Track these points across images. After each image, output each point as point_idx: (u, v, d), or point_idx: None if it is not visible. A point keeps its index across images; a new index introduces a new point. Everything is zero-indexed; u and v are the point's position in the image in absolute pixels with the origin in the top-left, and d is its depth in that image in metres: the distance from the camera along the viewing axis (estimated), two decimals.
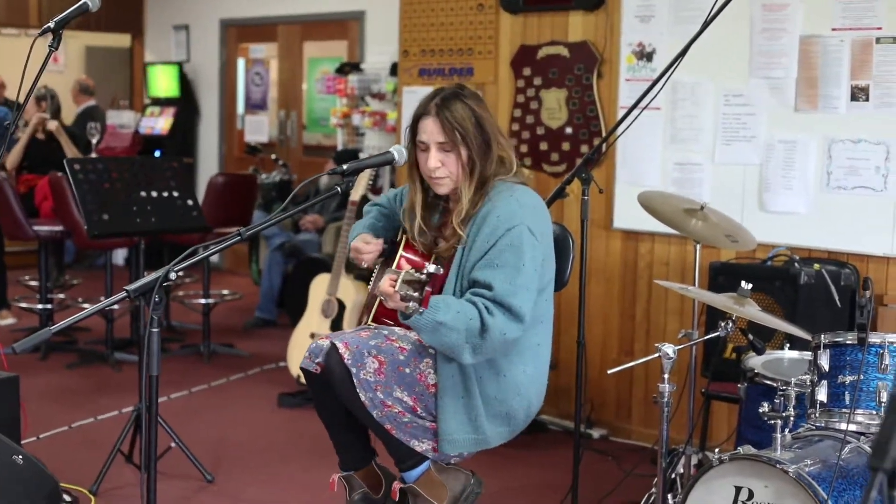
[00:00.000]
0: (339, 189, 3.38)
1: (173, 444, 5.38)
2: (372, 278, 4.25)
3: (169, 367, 7.74)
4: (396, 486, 3.80)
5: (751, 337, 4.28)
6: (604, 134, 6.09)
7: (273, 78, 11.71)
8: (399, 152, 3.64)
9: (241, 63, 12.03)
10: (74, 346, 8.18)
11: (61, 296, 8.96)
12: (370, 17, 10.25)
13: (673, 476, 4.71)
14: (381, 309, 3.92)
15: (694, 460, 4.83)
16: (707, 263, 5.43)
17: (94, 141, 8.50)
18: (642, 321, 6.12)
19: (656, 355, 4.03)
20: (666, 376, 4.07)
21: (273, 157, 10.07)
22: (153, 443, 3.05)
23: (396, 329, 3.83)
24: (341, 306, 6.55)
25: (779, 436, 3.82)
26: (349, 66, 9.69)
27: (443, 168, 3.76)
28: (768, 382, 4.27)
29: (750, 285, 4.09)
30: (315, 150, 11.32)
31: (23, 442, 5.70)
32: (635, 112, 4.44)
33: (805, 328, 4.37)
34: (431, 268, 3.24)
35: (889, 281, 5.29)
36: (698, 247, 4.75)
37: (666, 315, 6.01)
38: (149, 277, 2.98)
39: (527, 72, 6.43)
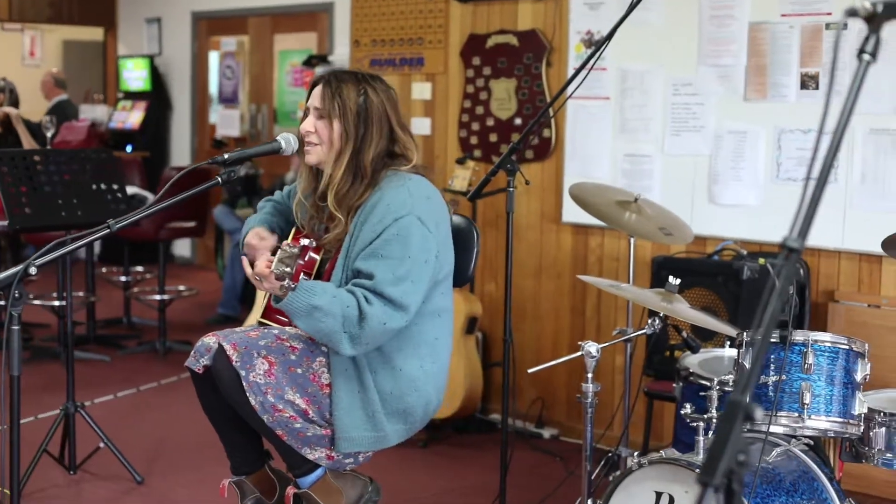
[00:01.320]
0: (219, 180, 3.22)
1: (102, 445, 5.22)
2: None
3: (122, 364, 7.61)
4: (290, 491, 3.61)
5: (685, 335, 4.13)
6: (552, 124, 5.92)
7: (245, 71, 11.54)
8: (286, 140, 3.50)
9: (213, 56, 11.86)
10: (28, 344, 8.02)
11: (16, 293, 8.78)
12: (339, 9, 10.07)
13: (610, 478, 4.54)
14: (273, 306, 3.74)
15: (631, 462, 4.66)
16: (650, 256, 5.26)
17: (48, 135, 8.33)
18: (592, 317, 5.95)
19: (579, 353, 3.88)
20: (590, 375, 3.94)
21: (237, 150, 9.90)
22: (16, 456, 2.89)
23: (288, 328, 3.66)
24: None
25: (701, 438, 3.66)
26: (316, 59, 9.51)
27: (314, 135, 3.63)
28: (703, 382, 4.09)
29: (678, 280, 3.93)
30: None
31: None
32: (559, 102, 4.28)
33: (747, 325, 4.21)
34: (305, 241, 3.13)
35: (840, 275, 5.12)
36: (633, 241, 4.58)
37: (616, 311, 5.84)
38: (7, 272, 2.81)
39: (476, 61, 6.26)
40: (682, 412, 3.72)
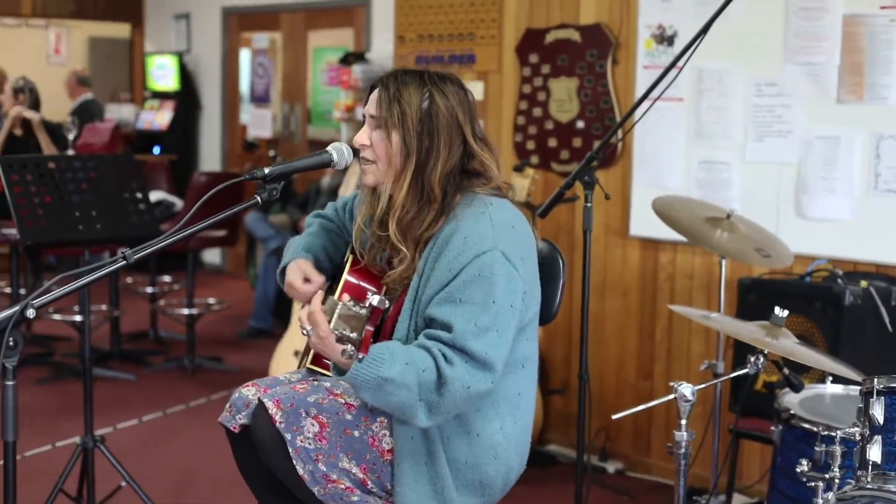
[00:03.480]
0: (258, 200, 2.69)
1: (123, 484, 4.71)
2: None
3: (148, 383, 7.15)
4: None
5: (786, 372, 3.58)
6: (619, 128, 5.38)
7: (277, 69, 11.05)
8: (339, 151, 2.94)
9: (244, 54, 11.38)
10: (49, 359, 7.56)
11: None
12: (376, 4, 9.57)
13: None
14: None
15: None
16: (735, 278, 4.70)
17: (70, 137, 7.85)
18: (663, 340, 5.40)
19: (672, 396, 3.33)
20: (683, 422, 3.37)
21: (271, 153, 9.40)
22: None
23: (341, 380, 3.12)
24: None
25: (820, 500, 3.12)
26: (353, 56, 9.02)
27: (370, 149, 3.04)
28: (807, 426, 3.55)
29: (785, 312, 3.39)
30: (320, 145, 10.60)
31: None
32: (646, 104, 3.73)
33: (850, 358, 3.67)
34: (375, 299, 2.53)
35: None
36: (724, 262, 4.04)
37: (690, 334, 5.29)
38: (1, 315, 2.30)
39: (534, 59, 5.71)
40: (799, 470, 3.18)
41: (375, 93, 3.03)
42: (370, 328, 2.56)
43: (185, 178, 10.41)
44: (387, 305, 2.57)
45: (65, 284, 2.43)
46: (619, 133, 5.30)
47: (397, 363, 2.74)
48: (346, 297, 2.62)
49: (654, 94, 3.79)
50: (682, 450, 3.38)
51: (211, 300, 8.48)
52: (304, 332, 2.73)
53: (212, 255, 11.49)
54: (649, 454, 5.51)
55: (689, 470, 3.44)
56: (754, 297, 4.52)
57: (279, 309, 8.46)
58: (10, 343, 2.27)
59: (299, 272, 3.25)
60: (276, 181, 2.73)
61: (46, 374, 7.19)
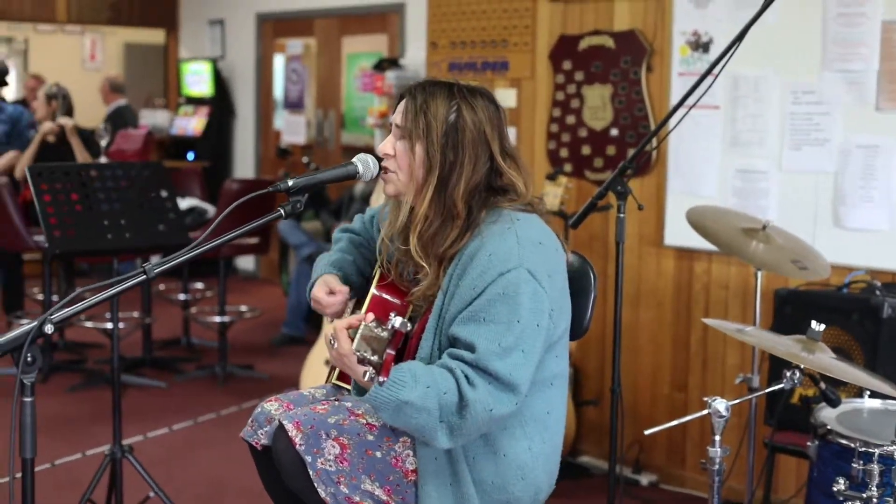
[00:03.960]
0: (282, 213, 2.64)
1: (152, 494, 4.67)
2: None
3: (179, 391, 7.12)
4: None
5: (823, 386, 3.51)
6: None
7: (311, 75, 11.01)
8: (364, 163, 2.87)
9: (278, 59, 11.35)
10: (81, 366, 7.55)
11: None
12: (411, 10, 9.52)
13: None
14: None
15: None
16: (771, 289, 4.61)
17: (103, 143, 7.84)
18: (698, 351, 5.32)
19: (706, 412, 3.26)
20: (717, 438, 3.30)
21: (304, 160, 9.35)
22: None
23: (361, 400, 3.05)
24: None
25: None
26: (387, 62, 8.97)
27: (392, 160, 2.96)
28: (844, 443, 3.47)
29: (822, 326, 3.31)
30: (353, 151, 10.54)
31: None
32: (681, 112, 3.66)
33: (888, 372, 3.59)
34: (397, 321, 2.45)
35: None
36: (760, 274, 3.96)
37: (725, 345, 5.21)
38: (19, 330, 2.25)
39: (567, 65, 5.65)
40: (835, 489, 3.11)
41: (403, 102, 2.96)
42: (391, 351, 2.49)
43: (218, 185, 10.40)
44: (409, 328, 2.50)
45: (86, 299, 2.39)
46: (654, 141, 5.23)
47: (418, 386, 2.67)
48: (369, 317, 2.55)
49: (690, 101, 3.71)
50: (716, 466, 3.31)
51: (243, 307, 8.46)
52: (332, 347, 2.67)
53: (245, 262, 11.47)
54: (683, 467, 5.43)
55: (723, 485, 3.37)
56: (790, 309, 4.43)
57: (312, 316, 8.42)
58: (29, 359, 2.22)
59: (324, 286, 3.20)
60: (300, 193, 2.67)
61: (78, 381, 7.17)
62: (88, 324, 7.54)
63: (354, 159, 2.87)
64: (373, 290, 3.09)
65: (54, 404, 6.70)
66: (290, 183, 2.62)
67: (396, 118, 2.96)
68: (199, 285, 9.16)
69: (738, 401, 3.31)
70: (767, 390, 3.39)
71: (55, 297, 7.97)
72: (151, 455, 5.50)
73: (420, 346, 2.90)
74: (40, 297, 8.23)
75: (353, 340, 2.51)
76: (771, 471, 4.47)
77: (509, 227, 2.85)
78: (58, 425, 6.28)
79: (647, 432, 3.34)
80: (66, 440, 5.96)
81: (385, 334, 2.45)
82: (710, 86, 3.68)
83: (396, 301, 3.05)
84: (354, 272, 3.32)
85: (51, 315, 2.27)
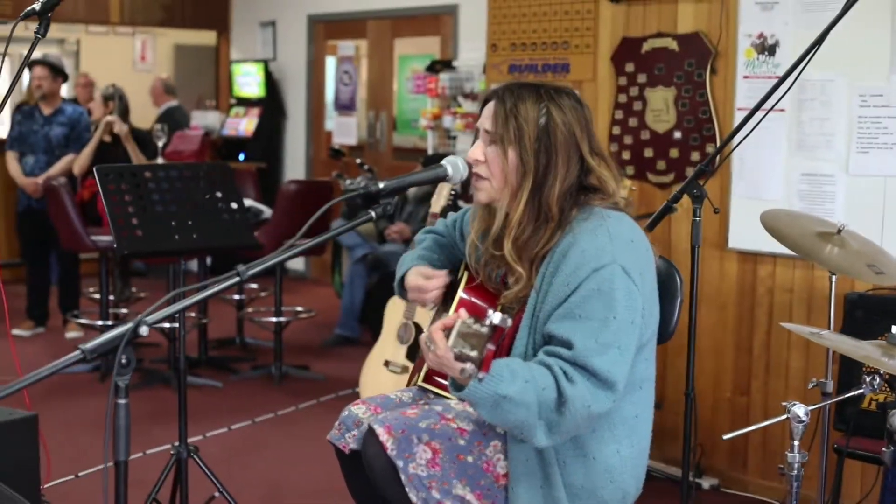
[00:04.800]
0: (373, 215, 2.64)
1: (217, 494, 4.69)
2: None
3: (235, 390, 7.15)
4: None
5: None
6: (718, 138, 5.28)
7: (362, 77, 11.03)
8: (454, 166, 2.85)
9: (330, 61, 11.37)
10: (138, 366, 7.58)
11: (124, 310, 8.37)
12: (464, 11, 9.53)
13: None
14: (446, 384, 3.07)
15: None
16: (840, 294, 4.57)
17: (160, 144, 7.88)
18: (761, 355, 5.29)
19: (784, 417, 3.24)
20: (796, 443, 3.28)
21: (358, 161, 9.38)
22: None
23: (453, 403, 3.05)
24: (419, 331, 5.81)
25: None
26: (440, 64, 8.99)
27: (484, 165, 2.94)
28: None
29: None
30: (405, 153, 10.59)
31: (54, 482, 5.13)
32: (759, 115, 3.63)
33: None
34: (496, 317, 2.43)
35: None
36: (834, 278, 3.93)
37: (788, 349, 5.17)
38: (113, 333, 2.26)
39: (630, 68, 5.62)
40: None
41: (490, 106, 2.95)
42: (492, 347, 2.48)
43: (270, 186, 10.43)
44: (509, 324, 2.49)
45: (179, 300, 2.40)
46: (719, 143, 5.21)
47: (517, 381, 2.65)
48: (463, 313, 2.54)
49: (768, 104, 3.69)
50: (795, 471, 3.29)
51: (299, 308, 8.47)
52: (429, 349, 2.65)
53: (296, 262, 11.49)
54: (745, 471, 5.40)
55: (800, 491, 3.34)
56: (861, 314, 4.41)
57: (365, 317, 8.43)
58: (123, 361, 2.23)
59: (419, 274, 3.20)
60: (391, 195, 2.67)
61: (136, 380, 7.21)
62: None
63: (444, 162, 2.86)
64: (460, 293, 3.08)
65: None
66: (382, 185, 2.62)
67: (485, 123, 2.94)
68: (254, 286, 9.18)
69: (816, 406, 3.29)
70: (847, 395, 3.37)
71: (111, 297, 8.03)
72: (211, 455, 5.52)
73: (514, 345, 2.90)
74: (96, 296, 8.28)
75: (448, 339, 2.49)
76: (840, 477, 4.43)
77: (601, 224, 2.85)
78: None
79: (725, 437, 3.32)
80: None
81: (484, 330, 2.43)
82: (788, 90, 3.65)
83: (485, 303, 3.04)
84: (441, 266, 3.32)
85: (145, 317, 2.28)
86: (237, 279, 2.40)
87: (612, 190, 2.94)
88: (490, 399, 2.64)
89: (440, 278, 3.20)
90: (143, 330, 2.26)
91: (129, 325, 2.26)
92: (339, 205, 8.39)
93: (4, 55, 3.19)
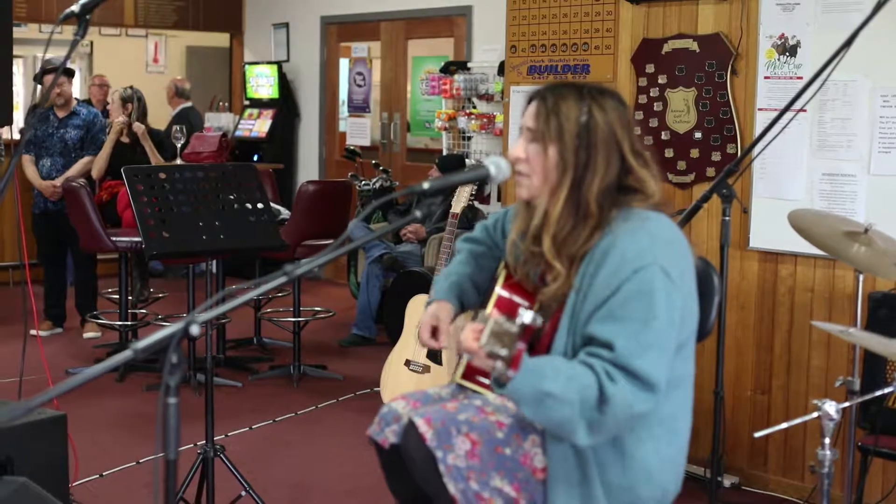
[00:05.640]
0: (417, 215, 2.67)
1: (244, 494, 4.72)
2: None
3: (254, 390, 7.17)
4: None
5: None
6: (738, 139, 5.31)
7: (376, 78, 11.06)
8: (497, 166, 2.88)
9: (343, 63, 11.40)
10: (157, 365, 7.60)
11: (143, 311, 8.40)
12: (477, 13, 9.55)
13: None
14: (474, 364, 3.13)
15: None
16: (864, 293, 4.60)
17: (178, 145, 7.92)
18: (782, 354, 5.32)
19: (815, 415, 3.26)
20: (827, 441, 3.30)
21: (373, 162, 9.41)
22: None
23: (491, 397, 3.08)
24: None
25: None
26: (455, 66, 9.01)
27: (525, 163, 2.98)
28: None
29: None
30: (419, 154, 10.63)
31: (80, 482, 5.16)
32: (788, 115, 3.66)
33: None
34: (527, 316, 2.46)
35: None
36: (861, 277, 3.96)
37: (810, 348, 5.21)
38: (162, 333, 2.29)
39: (650, 69, 5.66)
40: None
41: (533, 105, 2.99)
42: (521, 346, 2.51)
43: (284, 187, 10.45)
44: (539, 323, 2.51)
45: (230, 299, 2.43)
46: (740, 143, 5.25)
47: (560, 378, 2.69)
48: (495, 312, 2.58)
49: (797, 105, 3.72)
50: (826, 469, 3.31)
51: (318, 308, 8.50)
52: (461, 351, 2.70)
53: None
54: (766, 469, 5.43)
55: (830, 489, 3.37)
56: (886, 312, 4.43)
57: (381, 317, 8.45)
58: (173, 361, 2.26)
59: (433, 320, 3.27)
60: (435, 195, 2.71)
61: (154, 380, 7.24)
62: (165, 324, 7.60)
63: (487, 161, 2.88)
64: (498, 290, 3.11)
65: (133, 404, 6.78)
66: (426, 186, 2.64)
67: (528, 121, 2.98)
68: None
69: (847, 404, 3.32)
70: (878, 393, 3.40)
71: (130, 298, 8.07)
72: (234, 454, 5.54)
73: (554, 346, 2.92)
74: (115, 296, 8.32)
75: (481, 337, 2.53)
76: (864, 475, 4.46)
77: (641, 226, 2.88)
78: (138, 424, 6.35)
79: (756, 435, 3.35)
80: (148, 438, 6.01)
81: (515, 329, 2.46)
82: (816, 92, 3.68)
83: (522, 300, 3.07)
84: (471, 289, 3.38)
85: (196, 313, 2.31)
86: (285, 278, 2.43)
87: (652, 191, 2.96)
88: (534, 395, 2.67)
89: (441, 340, 3.26)
90: (194, 329, 2.28)
91: (180, 324, 2.28)
92: (354, 206, 8.46)
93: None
